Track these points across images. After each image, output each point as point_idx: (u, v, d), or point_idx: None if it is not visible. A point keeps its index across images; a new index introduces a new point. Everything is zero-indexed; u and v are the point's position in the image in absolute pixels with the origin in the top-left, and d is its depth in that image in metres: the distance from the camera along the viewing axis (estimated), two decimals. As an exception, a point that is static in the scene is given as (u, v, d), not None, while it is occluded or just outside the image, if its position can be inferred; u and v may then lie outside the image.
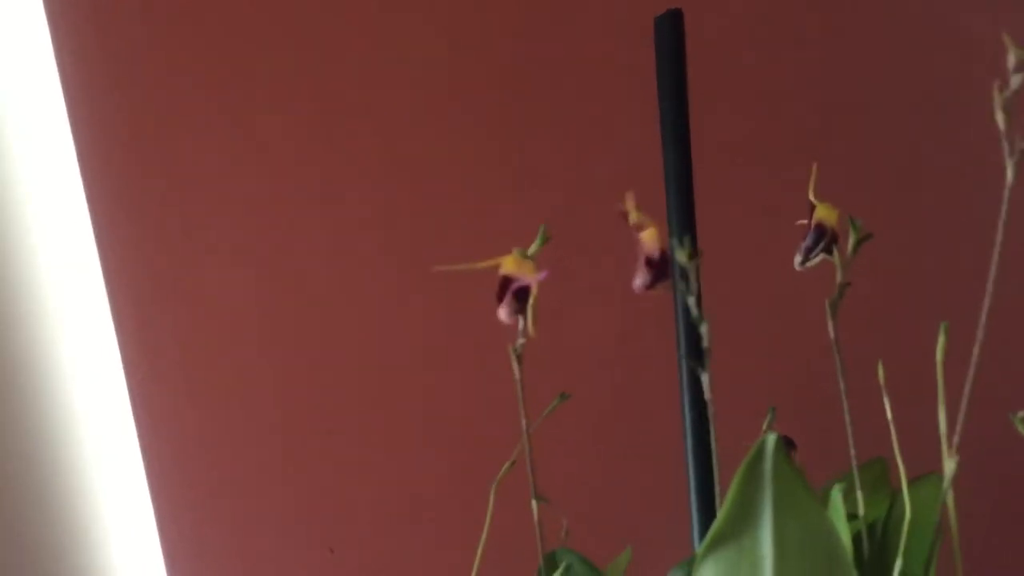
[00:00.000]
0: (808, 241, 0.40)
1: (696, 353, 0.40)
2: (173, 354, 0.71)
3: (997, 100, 0.32)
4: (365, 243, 0.71)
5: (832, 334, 0.38)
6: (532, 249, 0.36)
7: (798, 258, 0.40)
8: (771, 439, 0.31)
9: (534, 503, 0.42)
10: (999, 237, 0.33)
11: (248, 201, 0.70)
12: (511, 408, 0.70)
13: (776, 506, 0.31)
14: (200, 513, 0.74)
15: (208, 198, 0.70)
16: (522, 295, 0.35)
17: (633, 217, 0.37)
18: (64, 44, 0.67)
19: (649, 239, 0.37)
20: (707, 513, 0.46)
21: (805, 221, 0.41)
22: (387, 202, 0.70)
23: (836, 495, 0.36)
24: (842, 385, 0.38)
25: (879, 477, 0.45)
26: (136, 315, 0.71)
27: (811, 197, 0.40)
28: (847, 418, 0.39)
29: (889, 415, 0.40)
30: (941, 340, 0.36)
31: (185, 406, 0.72)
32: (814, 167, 0.40)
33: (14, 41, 0.67)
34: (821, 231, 0.40)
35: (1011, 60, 0.32)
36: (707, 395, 0.39)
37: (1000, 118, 0.32)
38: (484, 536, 0.44)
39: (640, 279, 0.37)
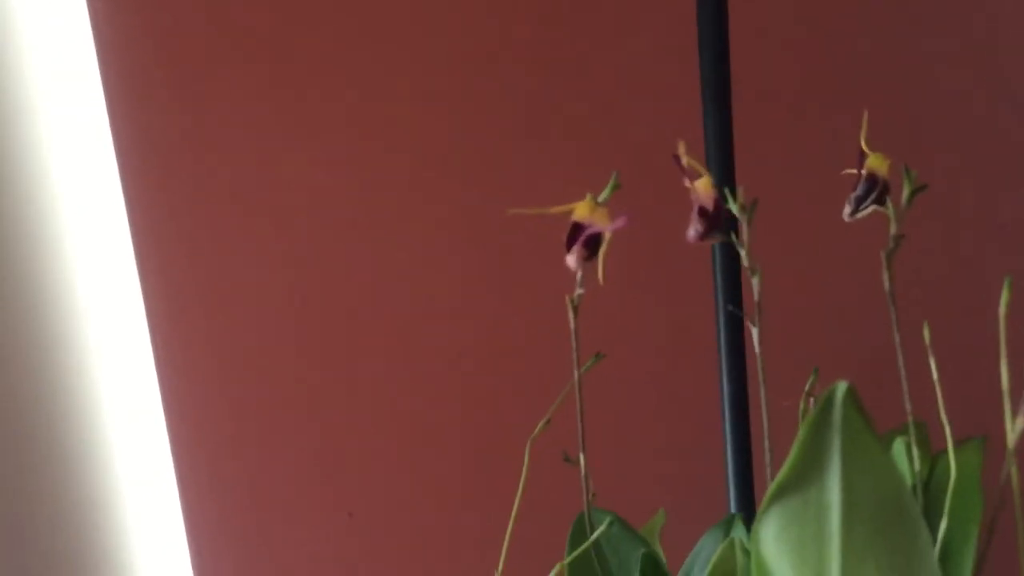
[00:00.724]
0: (859, 191, 0.39)
1: (742, 306, 0.39)
2: (200, 341, 0.73)
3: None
4: (396, 235, 0.72)
5: (887, 286, 0.37)
6: (603, 196, 0.35)
7: (847, 209, 0.39)
8: (841, 387, 0.30)
9: (582, 457, 0.41)
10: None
11: (279, 197, 0.71)
12: (536, 371, 0.69)
13: (844, 456, 0.30)
14: (221, 479, 0.75)
15: (242, 195, 0.71)
16: (593, 242, 0.34)
17: (686, 162, 0.36)
18: (106, 40, 0.68)
19: (703, 188, 0.36)
20: (744, 474, 0.45)
21: (854, 170, 0.40)
22: (423, 197, 0.72)
23: (900, 447, 0.35)
24: (897, 339, 0.37)
25: (921, 440, 0.44)
26: (167, 305, 0.73)
27: (862, 145, 0.39)
28: (902, 373, 0.38)
29: (935, 375, 0.40)
30: (1005, 295, 0.35)
31: (211, 387, 0.74)
32: (865, 114, 0.39)
33: (56, 40, 0.69)
34: (873, 181, 0.39)
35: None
36: (757, 349, 0.38)
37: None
38: (520, 492, 0.43)
39: (694, 229, 0.36)
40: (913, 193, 0.38)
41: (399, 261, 0.73)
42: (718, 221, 0.36)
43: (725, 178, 0.44)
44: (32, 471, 0.69)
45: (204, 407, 0.74)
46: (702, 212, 0.36)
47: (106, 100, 0.69)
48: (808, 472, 0.31)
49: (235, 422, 0.74)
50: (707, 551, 0.42)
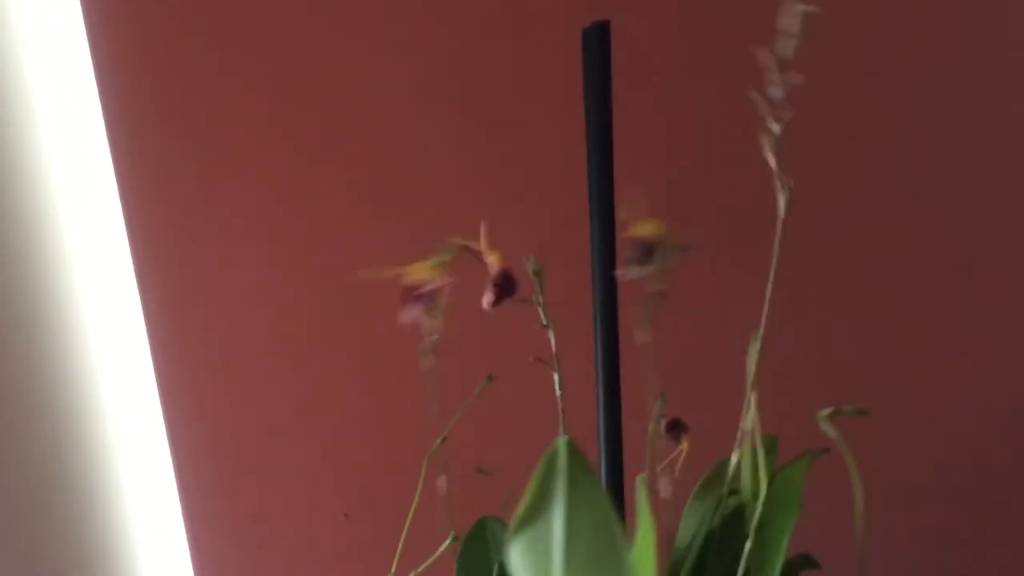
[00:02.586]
0: (634, 254, 0.43)
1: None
2: (198, 340, 0.76)
3: (766, 143, 0.35)
4: (395, 233, 0.74)
5: (641, 339, 0.42)
6: (437, 260, 0.42)
7: (624, 271, 0.44)
8: (562, 442, 0.37)
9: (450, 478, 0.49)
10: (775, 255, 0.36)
11: (277, 196, 0.73)
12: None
13: (568, 496, 0.37)
14: (221, 483, 0.79)
15: (238, 190, 0.73)
16: (428, 298, 0.42)
17: (484, 244, 0.43)
18: (97, 33, 0.68)
19: (494, 263, 0.42)
20: (616, 484, 0.51)
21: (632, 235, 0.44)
22: (424, 198, 0.74)
23: (640, 482, 0.41)
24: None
25: (767, 454, 0.49)
26: (164, 300, 0.75)
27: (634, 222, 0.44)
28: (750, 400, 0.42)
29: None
30: (753, 348, 0.39)
31: (209, 388, 0.77)
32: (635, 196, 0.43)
33: (48, 33, 0.69)
34: (644, 245, 0.43)
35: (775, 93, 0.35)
36: (557, 391, 0.45)
37: (771, 160, 0.36)
38: (414, 505, 0.51)
39: (486, 299, 0.43)
40: (673, 253, 0.43)
41: (399, 260, 0.76)
42: (508, 290, 0.42)
43: (606, 233, 0.49)
44: (31, 471, 0.72)
45: (202, 407, 0.77)
46: (494, 280, 0.43)
47: (100, 99, 0.70)
48: (539, 510, 0.37)
49: (233, 423, 0.78)
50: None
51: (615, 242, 0.47)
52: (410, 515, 0.51)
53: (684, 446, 0.49)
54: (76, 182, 0.73)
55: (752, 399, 0.40)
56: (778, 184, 0.36)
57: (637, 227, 0.42)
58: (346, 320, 0.77)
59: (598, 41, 0.47)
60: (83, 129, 0.72)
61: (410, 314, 0.43)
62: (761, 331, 0.40)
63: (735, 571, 0.44)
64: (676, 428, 0.49)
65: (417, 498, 0.52)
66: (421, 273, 0.43)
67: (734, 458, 0.47)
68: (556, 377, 0.44)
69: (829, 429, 0.40)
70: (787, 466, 0.48)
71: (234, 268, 0.75)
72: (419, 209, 0.75)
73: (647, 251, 0.42)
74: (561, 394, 0.44)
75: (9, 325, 0.67)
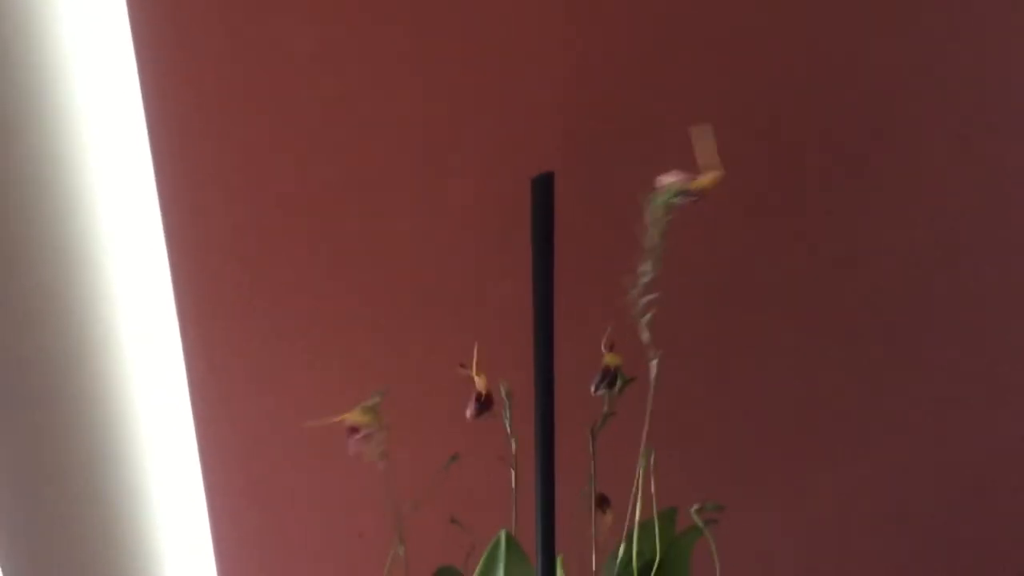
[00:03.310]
0: (599, 378, 0.58)
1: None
2: (229, 340, 0.77)
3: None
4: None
5: (591, 454, 0.58)
6: (370, 403, 0.56)
7: (593, 388, 0.60)
8: (503, 535, 0.53)
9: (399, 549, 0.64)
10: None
11: (316, 190, 0.73)
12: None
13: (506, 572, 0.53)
14: (246, 501, 0.83)
15: (277, 189, 0.73)
16: (365, 440, 0.56)
17: (473, 370, 0.58)
18: (141, 33, 0.68)
19: (480, 382, 0.58)
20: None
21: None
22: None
23: (558, 565, 0.57)
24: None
25: (667, 523, 0.64)
26: (199, 304, 0.75)
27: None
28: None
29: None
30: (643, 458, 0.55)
31: (239, 399, 0.79)
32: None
33: (91, 27, 0.68)
34: (609, 371, 0.59)
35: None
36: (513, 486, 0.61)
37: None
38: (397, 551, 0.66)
39: (469, 410, 0.59)
40: (623, 386, 0.59)
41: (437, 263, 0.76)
42: (489, 405, 0.58)
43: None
44: (64, 470, 0.75)
45: (231, 413, 0.79)
46: (477, 398, 0.58)
47: (143, 98, 0.69)
48: (485, 582, 0.54)
49: (260, 432, 0.80)
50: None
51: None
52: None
53: (609, 517, 0.64)
54: (115, 180, 0.73)
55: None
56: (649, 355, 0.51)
57: (606, 358, 0.57)
58: (382, 318, 0.78)
59: (543, 190, 0.55)
60: (123, 126, 0.71)
61: (353, 448, 0.55)
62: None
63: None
64: (601, 502, 0.65)
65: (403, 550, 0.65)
66: (356, 418, 0.55)
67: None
68: (513, 474, 0.60)
69: (697, 519, 0.56)
70: (680, 536, 0.63)
71: (271, 269, 0.75)
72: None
73: (611, 377, 0.57)
74: (515, 488, 0.60)
75: (43, 325, 0.70)
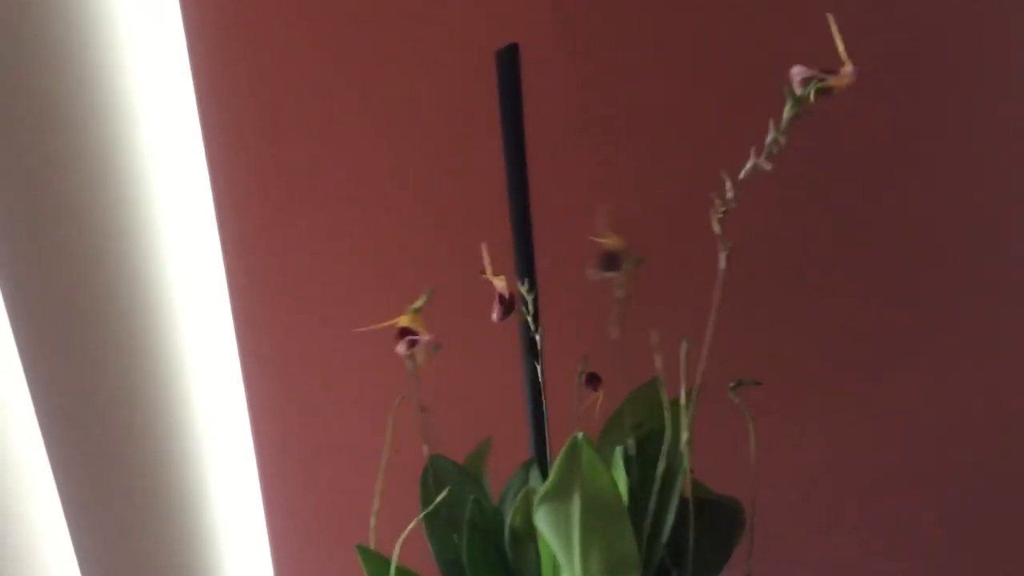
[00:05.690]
0: (601, 261, 0.55)
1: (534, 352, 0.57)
2: (286, 351, 0.79)
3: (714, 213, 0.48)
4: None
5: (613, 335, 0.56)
6: (418, 304, 0.52)
7: (593, 272, 0.56)
8: (579, 435, 0.50)
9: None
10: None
11: (367, 197, 0.75)
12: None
13: (584, 480, 0.50)
14: (304, 498, 0.86)
15: (332, 191, 0.75)
16: (413, 342, 0.51)
17: (488, 269, 0.53)
18: (197, 43, 0.71)
19: (499, 283, 0.53)
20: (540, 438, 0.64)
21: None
22: None
23: (617, 455, 0.56)
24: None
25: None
26: (253, 303, 0.78)
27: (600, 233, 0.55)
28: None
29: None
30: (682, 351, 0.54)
31: (294, 402, 0.83)
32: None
33: (149, 39, 0.72)
34: (612, 254, 0.56)
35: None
36: (541, 380, 0.57)
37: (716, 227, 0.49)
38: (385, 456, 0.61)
39: (496, 312, 0.53)
40: (634, 264, 0.55)
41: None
42: (512, 305, 0.53)
43: (526, 254, 0.58)
44: (123, 469, 0.79)
45: (285, 410, 0.82)
46: (500, 299, 0.53)
47: (197, 102, 0.73)
48: (563, 489, 0.51)
49: (315, 428, 0.83)
50: (514, 489, 0.63)
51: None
52: (382, 463, 0.61)
53: (599, 394, 0.63)
54: (172, 184, 0.76)
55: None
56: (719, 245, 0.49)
57: (604, 239, 0.53)
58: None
59: (509, 62, 0.53)
60: (180, 129, 0.75)
61: (404, 349, 0.53)
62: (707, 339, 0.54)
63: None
64: (593, 380, 0.63)
65: (386, 453, 0.61)
66: (408, 321, 0.53)
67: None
68: (538, 367, 0.56)
69: (733, 396, 0.57)
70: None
71: (323, 269, 0.77)
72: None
73: (614, 260, 0.54)
74: (543, 383, 0.57)
75: (104, 327, 0.73)
